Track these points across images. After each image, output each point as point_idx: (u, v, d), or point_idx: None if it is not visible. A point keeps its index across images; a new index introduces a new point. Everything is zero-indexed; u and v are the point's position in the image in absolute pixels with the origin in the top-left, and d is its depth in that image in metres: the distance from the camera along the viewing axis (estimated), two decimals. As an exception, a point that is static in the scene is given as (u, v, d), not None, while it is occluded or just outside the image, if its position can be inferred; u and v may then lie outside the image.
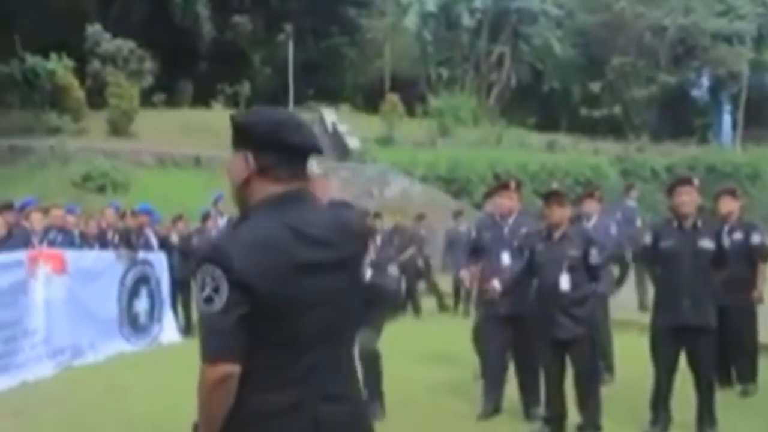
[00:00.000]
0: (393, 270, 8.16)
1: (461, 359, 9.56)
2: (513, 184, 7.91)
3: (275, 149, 2.72)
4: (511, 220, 7.78)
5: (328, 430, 2.62)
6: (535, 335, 7.22)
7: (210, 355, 2.50)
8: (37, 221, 11.31)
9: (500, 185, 8.11)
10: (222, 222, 14.25)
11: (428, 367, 10.05)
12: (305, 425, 2.59)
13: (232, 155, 2.85)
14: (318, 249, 2.64)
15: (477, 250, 8.91)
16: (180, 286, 13.27)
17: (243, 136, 2.82)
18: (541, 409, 7.38)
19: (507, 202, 7.83)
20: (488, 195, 9.96)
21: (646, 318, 8.02)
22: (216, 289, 2.50)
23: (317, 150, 2.82)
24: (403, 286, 15.48)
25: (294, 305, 2.57)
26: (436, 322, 14.38)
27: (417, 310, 15.43)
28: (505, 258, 7.74)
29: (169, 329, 12.83)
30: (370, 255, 7.98)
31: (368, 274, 7.88)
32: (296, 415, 2.58)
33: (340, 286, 2.70)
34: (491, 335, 7.86)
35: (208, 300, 2.50)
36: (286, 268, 2.57)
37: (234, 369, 2.50)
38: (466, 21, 46.63)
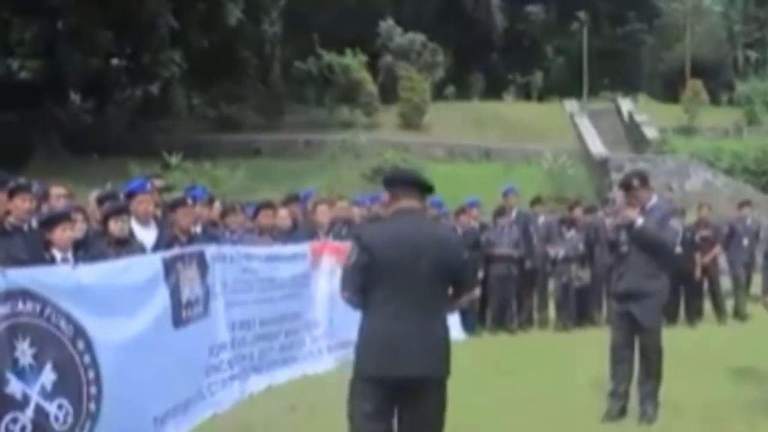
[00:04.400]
0: (675, 223, 7.34)
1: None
2: None
3: (394, 187, 4.82)
4: None
5: (394, 329, 4.56)
6: None
7: (341, 286, 4.71)
8: (323, 214, 11.25)
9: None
10: (513, 215, 13.66)
11: (736, 383, 8.91)
12: (378, 325, 4.60)
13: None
14: (408, 241, 4.61)
15: None
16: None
17: (386, 183, 4.90)
18: None
19: None
20: None
21: None
22: (352, 253, 4.65)
23: (417, 183, 4.81)
24: (705, 286, 14.26)
25: (391, 265, 4.55)
26: (742, 330, 13.01)
27: (720, 315, 14.03)
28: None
29: (451, 326, 12.46)
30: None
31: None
32: (383, 319, 4.59)
33: (420, 261, 4.56)
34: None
35: (348, 259, 4.68)
36: (392, 247, 4.58)
37: (351, 295, 4.66)
38: (780, -3, 43.17)
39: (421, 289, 4.55)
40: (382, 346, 4.54)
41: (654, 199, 7.43)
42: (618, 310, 7.57)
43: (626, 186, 7.41)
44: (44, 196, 8.56)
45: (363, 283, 4.57)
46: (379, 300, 4.56)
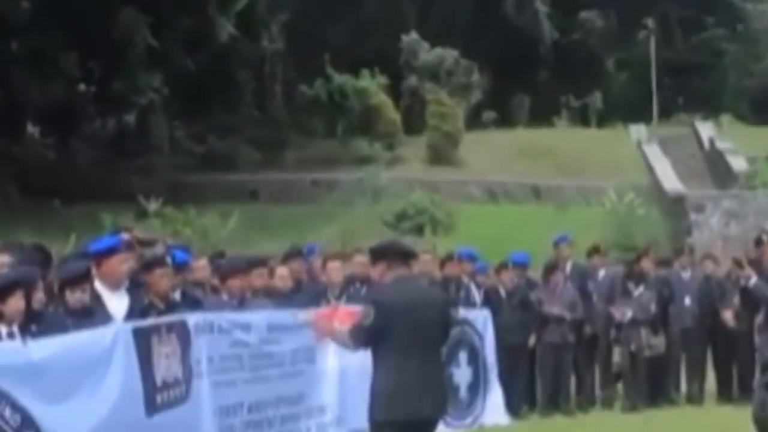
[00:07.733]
0: None
1: None
2: None
3: (388, 258, 6.68)
4: None
5: (407, 380, 6.31)
6: None
7: (353, 341, 6.58)
8: (335, 271, 11.19)
9: None
10: (567, 269, 13.60)
11: None
12: (393, 376, 6.31)
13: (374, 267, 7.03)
14: (411, 301, 6.44)
15: None
16: (512, 352, 12.75)
17: (378, 256, 6.85)
18: None
19: None
20: None
21: None
22: (369, 315, 6.33)
23: (407, 255, 6.83)
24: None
25: (402, 325, 6.30)
26: None
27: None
28: None
29: (493, 407, 12.33)
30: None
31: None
32: (392, 373, 6.33)
33: (425, 317, 6.44)
34: None
35: (364, 319, 6.38)
36: (396, 308, 6.32)
37: (358, 348, 6.71)
38: None
39: (424, 342, 6.45)
40: (392, 393, 6.34)
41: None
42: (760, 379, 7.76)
43: (757, 241, 8.53)
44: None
45: (373, 341, 6.40)
46: (390, 354, 6.36)
